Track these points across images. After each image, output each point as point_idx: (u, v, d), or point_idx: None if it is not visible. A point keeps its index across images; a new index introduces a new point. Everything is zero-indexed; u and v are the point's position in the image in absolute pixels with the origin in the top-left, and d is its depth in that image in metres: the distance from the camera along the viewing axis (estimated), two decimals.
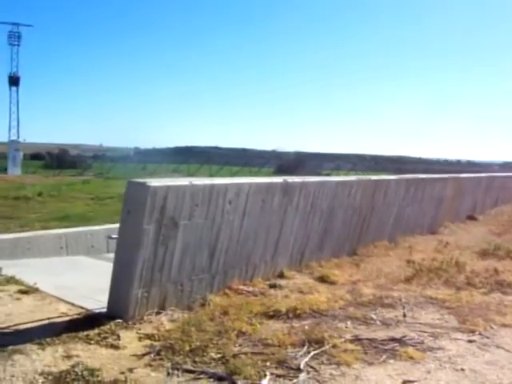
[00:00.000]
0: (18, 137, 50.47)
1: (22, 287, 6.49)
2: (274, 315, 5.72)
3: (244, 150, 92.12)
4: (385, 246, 10.46)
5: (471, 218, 16.07)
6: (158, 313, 5.66)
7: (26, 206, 16.62)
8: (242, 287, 6.84)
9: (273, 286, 7.03)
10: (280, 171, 56.61)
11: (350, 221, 9.14)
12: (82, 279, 7.41)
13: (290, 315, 5.74)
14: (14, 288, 6.45)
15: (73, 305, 5.91)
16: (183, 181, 5.71)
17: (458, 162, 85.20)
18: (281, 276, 7.59)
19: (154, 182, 5.25)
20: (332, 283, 7.40)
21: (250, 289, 6.86)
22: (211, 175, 38.02)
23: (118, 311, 5.37)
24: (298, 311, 5.83)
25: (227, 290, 6.65)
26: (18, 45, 53.62)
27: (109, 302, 5.52)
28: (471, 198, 16.34)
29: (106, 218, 15.00)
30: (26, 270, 7.66)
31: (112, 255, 9.81)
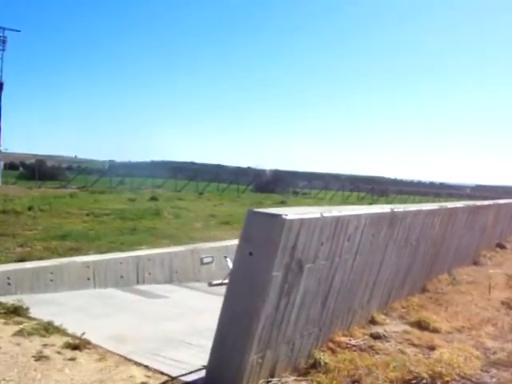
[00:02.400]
0: (0, 145, 47.06)
1: (69, 339, 4.97)
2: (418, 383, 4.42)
3: (219, 166, 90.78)
4: (446, 280, 9.24)
5: (500, 246, 15.04)
6: (267, 382, 4.27)
7: (18, 222, 14.86)
8: (343, 339, 5.47)
9: (376, 337, 5.67)
10: (258, 189, 55.39)
11: (427, 253, 7.88)
12: (130, 323, 5.93)
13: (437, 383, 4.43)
14: (59, 340, 4.93)
15: (147, 368, 4.45)
16: (313, 212, 4.31)
17: (432, 184, 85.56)
18: (373, 322, 6.24)
19: (291, 215, 3.84)
20: (435, 331, 6.08)
21: (353, 341, 5.49)
22: (200, 193, 36.49)
23: (225, 382, 3.94)
24: (446, 377, 4.50)
25: (330, 344, 5.29)
26: (3, 50, 50.05)
27: (210, 370, 4.08)
28: (500, 225, 15.36)
29: (111, 238, 13.43)
30: (59, 310, 6.14)
31: (143, 287, 8.36)
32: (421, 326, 6.21)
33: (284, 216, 3.77)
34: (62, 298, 6.83)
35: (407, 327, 6.18)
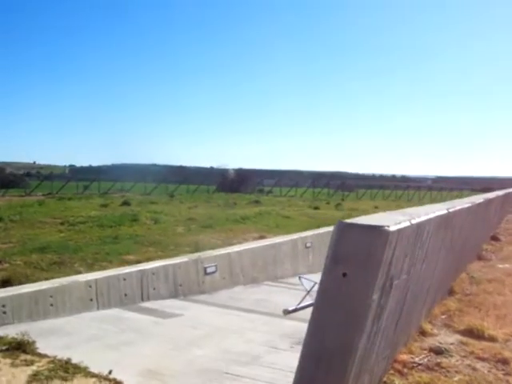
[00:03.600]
0: None
1: (96, 380, 4.15)
2: None
3: (181, 168, 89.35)
4: (466, 279, 8.75)
5: (495, 238, 14.76)
6: None
7: None
8: (405, 357, 4.83)
9: (438, 352, 5.04)
10: (223, 189, 54.61)
11: (458, 253, 7.32)
12: (155, 352, 5.13)
13: None
14: (84, 383, 4.09)
15: None
16: (401, 218, 3.59)
17: (393, 177, 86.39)
18: (423, 333, 5.63)
19: (391, 225, 3.11)
20: (493, 340, 5.52)
21: (416, 359, 4.85)
22: (171, 196, 35.39)
23: None
24: None
25: (396, 365, 4.63)
26: None
27: None
28: (492, 218, 15.07)
29: (93, 248, 12.46)
30: (70, 341, 5.27)
31: (150, 304, 7.48)
32: (474, 334, 5.65)
33: (387, 228, 3.05)
34: (67, 325, 5.93)
35: (460, 337, 5.60)
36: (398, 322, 4.19)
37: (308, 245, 12.02)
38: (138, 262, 11.15)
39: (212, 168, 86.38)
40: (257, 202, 30.74)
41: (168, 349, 5.25)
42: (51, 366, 4.39)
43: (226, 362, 4.96)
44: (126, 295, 7.18)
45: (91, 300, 6.67)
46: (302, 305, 4.53)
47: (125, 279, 7.18)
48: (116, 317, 6.47)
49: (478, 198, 9.13)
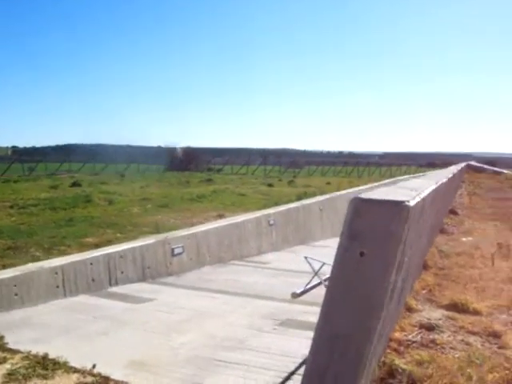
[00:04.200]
0: None
1: (80, 376, 3.80)
2: None
3: (129, 147, 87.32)
4: (436, 253, 8.74)
5: (453, 212, 14.99)
6: None
7: None
8: (397, 335, 4.69)
9: (429, 328, 4.94)
10: (172, 168, 53.73)
11: (433, 227, 7.28)
12: (136, 341, 4.82)
13: None
14: (69, 381, 3.74)
15: None
16: (410, 193, 3.37)
17: (341, 154, 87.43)
18: (409, 309, 5.52)
19: (412, 200, 2.88)
20: (477, 313, 5.47)
21: (409, 336, 4.72)
22: (122, 175, 34.43)
23: None
24: None
25: (391, 343, 4.48)
26: None
27: None
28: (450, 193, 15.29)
29: (48, 232, 11.84)
30: (42, 333, 4.89)
31: (119, 289, 7.09)
32: (458, 308, 5.58)
33: (407, 203, 2.82)
34: (35, 315, 5.50)
35: (446, 312, 5.52)
36: (399, 301, 4.04)
37: (271, 222, 11.83)
38: (97, 245, 10.67)
39: (160, 147, 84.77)
40: (209, 180, 30.35)
41: (148, 337, 4.93)
42: (27, 362, 4.01)
43: (213, 348, 4.69)
44: (93, 280, 6.77)
45: (58, 287, 6.24)
46: (313, 283, 4.27)
47: (91, 264, 6.76)
48: (86, 304, 6.07)
49: (448, 173, 9.14)
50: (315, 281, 5.07)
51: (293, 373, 4.13)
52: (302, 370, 4.14)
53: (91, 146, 77.89)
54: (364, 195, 2.98)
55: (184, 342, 4.81)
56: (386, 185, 23.26)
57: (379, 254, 2.84)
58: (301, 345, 4.82)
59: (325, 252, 12.12)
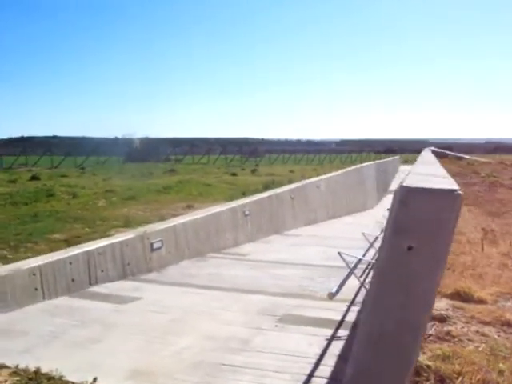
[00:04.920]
0: None
1: None
2: None
3: (84, 139, 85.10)
4: None
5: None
6: None
7: None
8: None
9: (441, 320, 4.74)
10: (130, 159, 52.56)
11: None
12: (132, 347, 4.43)
13: None
14: None
15: None
16: (445, 180, 3.11)
17: (299, 142, 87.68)
18: None
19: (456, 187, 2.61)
20: (483, 302, 5.32)
21: None
22: (81, 168, 33.35)
23: None
24: None
25: None
26: None
27: None
28: None
29: (13, 228, 11.17)
30: (28, 343, 4.48)
31: (100, 289, 6.62)
32: (462, 297, 5.41)
33: (459, 191, 2.55)
34: (15, 322, 5.01)
35: (451, 301, 5.34)
36: None
37: (246, 213, 11.50)
38: (67, 241, 10.15)
39: (117, 138, 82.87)
40: (172, 170, 29.73)
41: (144, 341, 4.54)
42: (17, 379, 3.57)
43: (217, 351, 4.35)
44: (73, 281, 6.30)
45: (36, 289, 5.75)
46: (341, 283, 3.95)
47: (71, 263, 6.29)
48: (68, 307, 5.61)
49: (433, 159, 9.02)
50: (350, 277, 4.78)
51: (311, 375, 3.84)
52: (320, 372, 3.87)
53: (47, 138, 75.50)
54: (411, 184, 2.69)
55: (185, 345, 4.45)
56: (357, 171, 23.26)
57: (429, 247, 2.56)
58: (309, 343, 4.56)
59: (299, 241, 11.97)
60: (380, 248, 2.70)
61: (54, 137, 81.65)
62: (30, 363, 3.79)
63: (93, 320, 5.13)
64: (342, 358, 4.16)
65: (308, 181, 16.87)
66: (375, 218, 18.81)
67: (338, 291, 3.44)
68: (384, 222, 14.70)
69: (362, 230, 15.21)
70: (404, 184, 2.66)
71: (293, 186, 15.47)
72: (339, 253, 5.08)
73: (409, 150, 65.82)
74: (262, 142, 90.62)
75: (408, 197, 2.59)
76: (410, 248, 2.58)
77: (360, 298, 6.31)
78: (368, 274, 7.97)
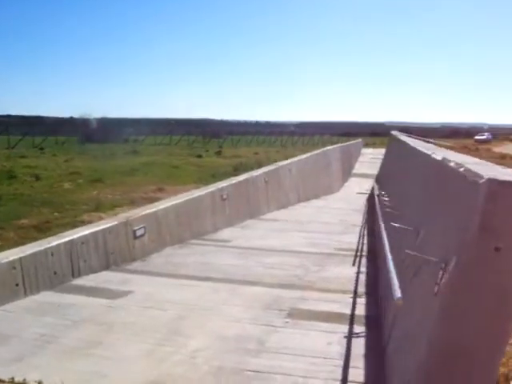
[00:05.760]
0: None
1: None
2: None
3: (38, 118, 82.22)
4: None
5: None
6: None
7: None
8: None
9: None
10: (87, 140, 51.01)
11: None
12: (137, 352, 3.95)
13: None
14: None
15: None
16: None
17: (257, 123, 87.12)
18: None
19: None
20: None
21: None
22: (40, 148, 31.93)
23: None
24: None
25: None
26: None
27: None
28: None
29: None
30: (16, 348, 4.00)
31: (84, 282, 6.05)
32: None
33: None
34: None
35: None
36: None
37: (224, 197, 11.04)
38: (36, 227, 9.52)
39: (72, 118, 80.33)
40: (135, 152, 28.82)
41: (150, 344, 4.07)
42: None
43: (233, 353, 3.93)
44: (55, 273, 5.74)
45: (17, 285, 5.17)
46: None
47: (53, 254, 5.72)
48: (54, 304, 5.06)
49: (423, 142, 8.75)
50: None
51: (344, 380, 3.48)
52: (352, 376, 3.51)
53: (1, 116, 72.36)
54: (497, 176, 2.30)
55: (196, 347, 4.01)
56: (324, 154, 23.03)
57: None
58: (327, 341, 4.21)
59: (278, 227, 11.60)
60: (459, 247, 2.32)
61: (8, 116, 78.36)
62: (19, 375, 3.28)
63: (86, 319, 4.61)
64: (369, 358, 3.83)
65: (280, 164, 16.50)
66: (345, 202, 18.70)
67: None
68: (361, 208, 14.52)
69: (336, 214, 15.09)
70: (492, 177, 2.28)
71: (266, 169, 15.06)
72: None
73: (366, 133, 66.38)
74: (222, 122, 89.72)
75: (498, 191, 2.22)
76: (497, 249, 2.21)
77: (361, 289, 6.03)
78: (360, 261, 7.70)
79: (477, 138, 67.17)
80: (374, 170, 24.21)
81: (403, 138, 12.56)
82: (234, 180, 12.21)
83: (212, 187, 10.90)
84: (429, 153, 4.66)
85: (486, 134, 72.21)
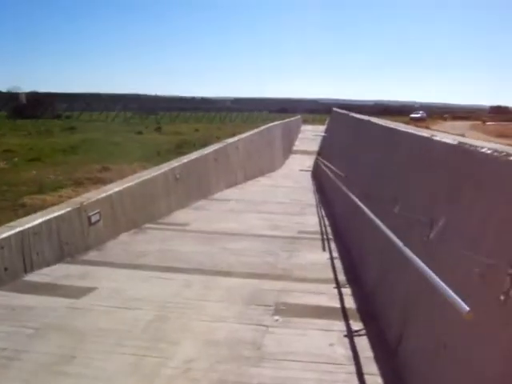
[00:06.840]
0: None
1: None
2: None
3: None
4: None
5: None
6: None
7: None
8: None
9: None
10: (15, 115, 48.40)
11: None
12: (117, 369, 3.37)
13: None
14: None
15: None
16: None
17: (193, 99, 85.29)
18: None
19: None
20: None
21: None
22: None
23: None
24: None
25: None
26: None
27: None
28: None
29: None
30: None
31: (39, 278, 5.27)
32: None
33: None
34: None
35: None
36: None
37: (177, 176, 10.38)
38: None
39: (4, 93, 75.55)
40: (72, 128, 27.26)
41: (132, 355, 3.47)
42: None
43: (230, 362, 3.42)
44: (6, 270, 4.98)
45: None
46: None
47: (3, 247, 4.95)
48: (9, 307, 4.33)
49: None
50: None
51: None
52: None
53: None
54: None
55: (187, 357, 3.46)
56: (268, 130, 22.57)
57: None
58: (328, 342, 3.81)
59: (232, 207, 11.09)
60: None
61: None
62: None
63: (49, 326, 3.94)
64: (381, 362, 3.43)
65: (229, 141, 15.91)
66: (292, 181, 18.40)
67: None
68: (310, 187, 14.22)
69: (287, 193, 14.75)
70: None
71: (216, 146, 14.43)
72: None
73: (301, 109, 66.59)
74: (156, 98, 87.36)
75: None
76: None
77: (341, 277, 5.65)
78: (330, 245, 7.33)
79: (412, 115, 68.97)
80: (315, 146, 24.12)
81: (357, 115, 12.25)
82: (186, 159, 11.53)
83: (165, 167, 10.20)
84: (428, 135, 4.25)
85: (420, 112, 74.18)
